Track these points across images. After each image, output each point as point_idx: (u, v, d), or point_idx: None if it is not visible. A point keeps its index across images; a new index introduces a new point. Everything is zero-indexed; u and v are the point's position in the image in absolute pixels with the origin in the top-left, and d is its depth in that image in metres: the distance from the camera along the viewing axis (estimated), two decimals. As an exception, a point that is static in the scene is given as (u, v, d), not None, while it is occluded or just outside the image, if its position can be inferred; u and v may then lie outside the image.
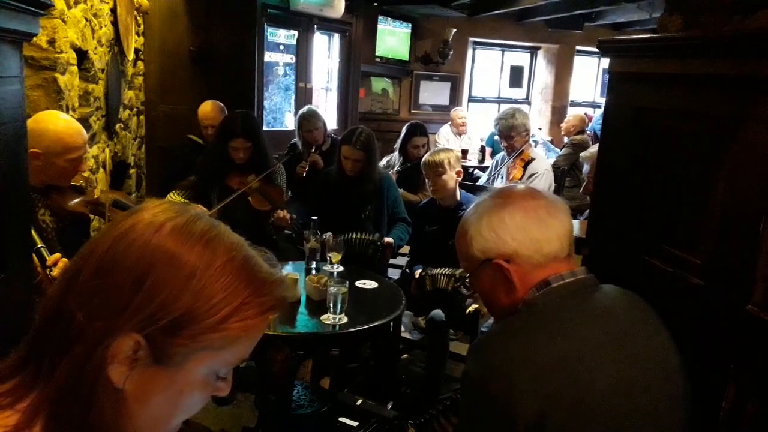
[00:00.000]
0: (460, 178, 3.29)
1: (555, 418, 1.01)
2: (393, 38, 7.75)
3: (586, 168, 2.85)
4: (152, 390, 0.70)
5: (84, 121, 2.94)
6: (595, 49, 7.25)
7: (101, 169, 3.25)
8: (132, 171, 4.30)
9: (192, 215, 0.75)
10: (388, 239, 3.32)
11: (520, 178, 3.98)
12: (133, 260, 0.69)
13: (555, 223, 1.18)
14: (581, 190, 3.39)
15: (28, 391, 0.69)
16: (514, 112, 4.14)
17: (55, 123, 2.05)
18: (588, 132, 6.34)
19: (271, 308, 0.74)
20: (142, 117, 4.74)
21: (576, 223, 3.15)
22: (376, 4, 7.09)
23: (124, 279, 0.68)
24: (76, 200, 2.21)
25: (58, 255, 1.72)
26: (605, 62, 9.63)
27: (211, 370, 0.74)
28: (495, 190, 1.31)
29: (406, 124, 4.54)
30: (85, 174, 2.85)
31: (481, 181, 4.58)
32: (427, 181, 3.28)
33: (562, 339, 1.09)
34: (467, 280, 2.25)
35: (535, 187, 1.29)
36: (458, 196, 3.27)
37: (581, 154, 2.99)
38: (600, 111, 8.07)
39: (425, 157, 3.28)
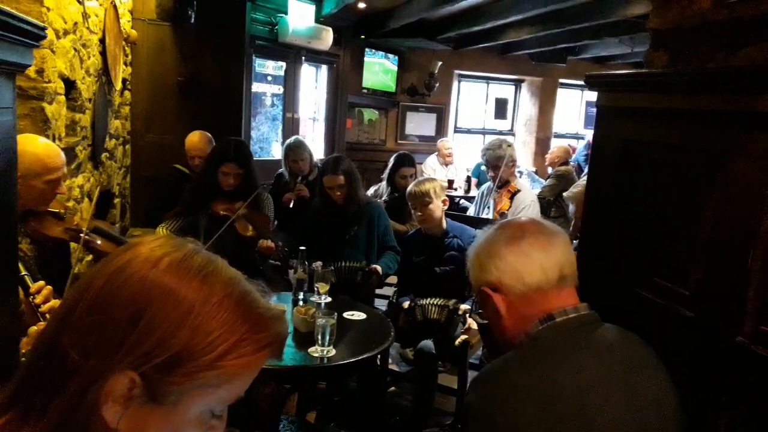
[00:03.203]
0: (446, 207, 3.30)
1: None
2: (380, 70, 7.86)
3: (572, 208, 2.88)
4: (146, 429, 0.69)
5: (70, 150, 2.92)
6: (578, 82, 7.42)
7: (86, 199, 3.22)
8: (116, 200, 4.26)
9: (189, 250, 0.74)
10: (376, 266, 3.32)
11: (508, 209, 4.01)
12: (129, 296, 0.68)
13: (538, 255, 1.22)
14: (571, 230, 3.42)
15: (17, 430, 0.68)
16: (501, 143, 4.19)
17: (34, 145, 2.02)
18: (572, 163, 6.42)
19: (269, 344, 0.73)
20: (128, 146, 4.72)
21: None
22: (363, 36, 7.20)
23: (120, 315, 0.67)
24: (55, 226, 2.17)
25: (42, 283, 1.69)
26: (588, 95, 9.88)
27: (206, 408, 0.72)
28: (499, 222, 1.37)
29: (395, 155, 4.56)
30: (69, 203, 2.82)
31: (470, 212, 4.60)
32: (413, 211, 3.29)
33: (565, 371, 1.11)
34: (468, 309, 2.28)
35: (535, 220, 1.34)
36: (444, 225, 3.28)
37: (565, 194, 3.03)
38: (583, 143, 8.19)
39: (410, 188, 3.28)
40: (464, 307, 2.97)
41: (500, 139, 4.32)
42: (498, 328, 1.27)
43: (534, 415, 1.05)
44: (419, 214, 3.23)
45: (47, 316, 1.59)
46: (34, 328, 1.51)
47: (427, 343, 2.96)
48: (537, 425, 1.04)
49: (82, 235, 2.18)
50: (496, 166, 4.11)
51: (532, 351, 1.18)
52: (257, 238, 3.26)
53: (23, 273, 1.68)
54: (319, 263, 2.93)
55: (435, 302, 2.94)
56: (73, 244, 2.40)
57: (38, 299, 1.63)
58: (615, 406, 1.08)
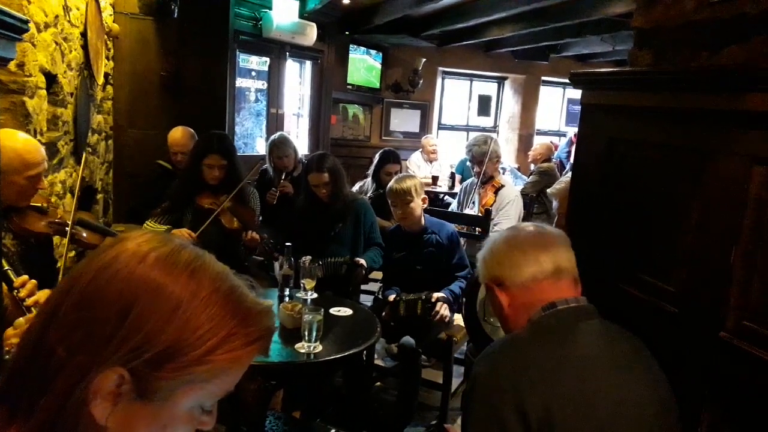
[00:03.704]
0: (425, 205, 3.31)
1: (561, 415, 1.13)
2: (364, 66, 7.84)
3: (555, 204, 2.90)
4: (136, 426, 0.68)
5: (52, 145, 2.88)
6: (561, 80, 7.46)
7: (68, 194, 3.17)
8: (99, 196, 4.21)
9: (177, 245, 0.74)
10: (360, 259, 3.32)
11: (491, 205, 4.03)
12: (116, 292, 0.67)
13: (533, 250, 1.37)
14: (554, 225, 3.46)
15: (3, 429, 0.67)
16: (486, 139, 4.21)
17: (13, 140, 1.98)
18: (554, 160, 6.47)
19: (258, 339, 0.73)
20: (110, 142, 4.67)
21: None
22: (347, 33, 7.18)
23: (107, 311, 0.66)
24: (39, 221, 2.15)
25: (25, 277, 1.66)
26: (570, 92, 9.93)
27: (196, 404, 0.72)
28: (506, 228, 1.57)
29: (380, 151, 4.55)
30: (52, 199, 2.78)
31: (452, 208, 4.61)
32: (393, 209, 3.28)
33: (566, 348, 1.24)
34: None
35: (538, 225, 1.50)
36: (423, 221, 3.29)
37: (548, 191, 3.05)
38: (565, 140, 8.25)
39: (391, 186, 3.26)
40: (437, 294, 3.00)
41: (485, 135, 4.34)
42: (502, 318, 1.42)
43: (537, 384, 1.16)
44: (399, 212, 3.22)
45: (33, 309, 1.57)
46: (21, 320, 1.49)
47: (409, 339, 2.97)
48: (541, 389, 1.15)
49: (67, 228, 2.16)
50: (481, 162, 4.13)
51: (535, 330, 1.30)
52: (242, 231, 3.25)
53: (6, 268, 1.65)
54: (308, 257, 2.92)
55: (412, 296, 2.97)
56: (56, 238, 2.37)
57: (22, 293, 1.61)
58: (618, 382, 1.19)
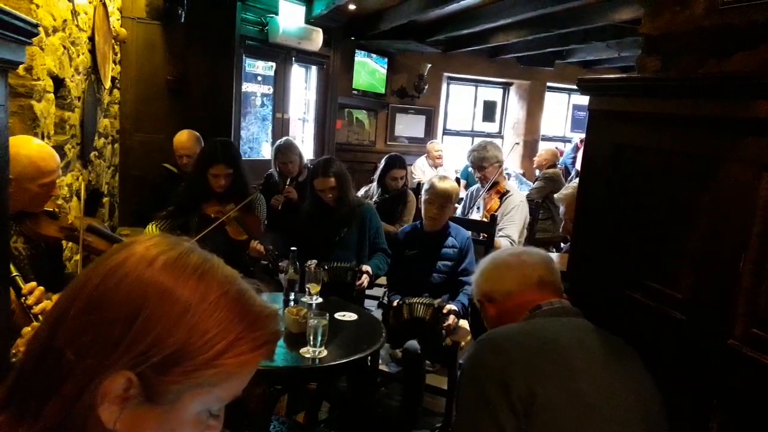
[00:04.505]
0: (453, 213, 3.34)
1: (544, 395, 1.18)
2: (369, 71, 7.86)
3: (562, 209, 2.91)
4: (143, 430, 0.68)
5: (59, 149, 2.89)
6: (566, 86, 7.44)
7: (74, 198, 3.18)
8: (105, 200, 4.23)
9: (185, 248, 0.74)
10: (366, 267, 3.31)
11: (496, 210, 4.02)
12: (124, 295, 0.67)
13: (517, 264, 1.57)
14: (561, 231, 3.46)
15: None
16: (486, 145, 4.24)
17: (28, 147, 1.99)
18: (559, 166, 6.46)
19: (265, 343, 0.73)
20: (116, 145, 4.68)
21: (555, 256, 3.19)
22: (353, 38, 7.20)
23: (115, 315, 0.66)
24: (51, 226, 2.16)
25: (33, 284, 1.67)
26: (575, 98, 9.89)
27: (204, 408, 0.72)
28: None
29: (386, 156, 4.56)
30: (59, 202, 2.80)
31: (457, 213, 4.61)
32: (428, 205, 3.26)
33: (553, 333, 1.34)
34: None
35: (524, 248, 1.72)
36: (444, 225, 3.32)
37: (555, 196, 3.06)
38: (570, 146, 8.25)
39: (436, 183, 3.25)
40: (449, 306, 2.98)
41: (485, 141, 4.37)
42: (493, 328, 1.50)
43: (519, 362, 1.24)
44: (435, 211, 3.22)
45: (40, 317, 1.57)
46: (27, 329, 1.49)
47: (413, 344, 2.96)
48: (522, 372, 1.22)
49: (77, 233, 2.17)
50: (481, 167, 4.15)
51: (522, 324, 1.43)
52: (248, 240, 3.25)
53: (15, 274, 1.66)
54: (313, 262, 2.91)
55: (422, 301, 2.95)
56: (63, 243, 2.38)
57: (30, 300, 1.61)
58: (598, 373, 1.26)
